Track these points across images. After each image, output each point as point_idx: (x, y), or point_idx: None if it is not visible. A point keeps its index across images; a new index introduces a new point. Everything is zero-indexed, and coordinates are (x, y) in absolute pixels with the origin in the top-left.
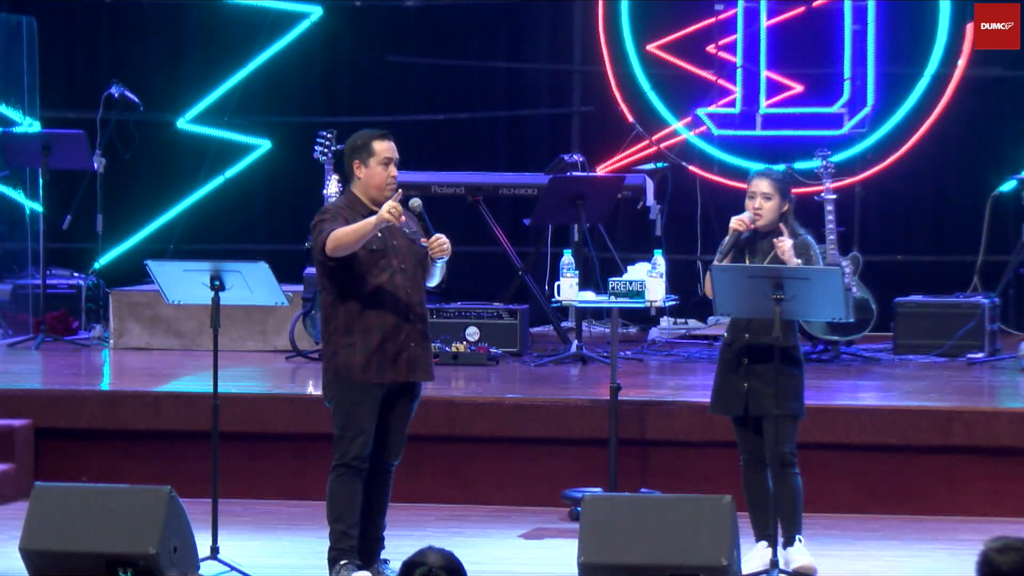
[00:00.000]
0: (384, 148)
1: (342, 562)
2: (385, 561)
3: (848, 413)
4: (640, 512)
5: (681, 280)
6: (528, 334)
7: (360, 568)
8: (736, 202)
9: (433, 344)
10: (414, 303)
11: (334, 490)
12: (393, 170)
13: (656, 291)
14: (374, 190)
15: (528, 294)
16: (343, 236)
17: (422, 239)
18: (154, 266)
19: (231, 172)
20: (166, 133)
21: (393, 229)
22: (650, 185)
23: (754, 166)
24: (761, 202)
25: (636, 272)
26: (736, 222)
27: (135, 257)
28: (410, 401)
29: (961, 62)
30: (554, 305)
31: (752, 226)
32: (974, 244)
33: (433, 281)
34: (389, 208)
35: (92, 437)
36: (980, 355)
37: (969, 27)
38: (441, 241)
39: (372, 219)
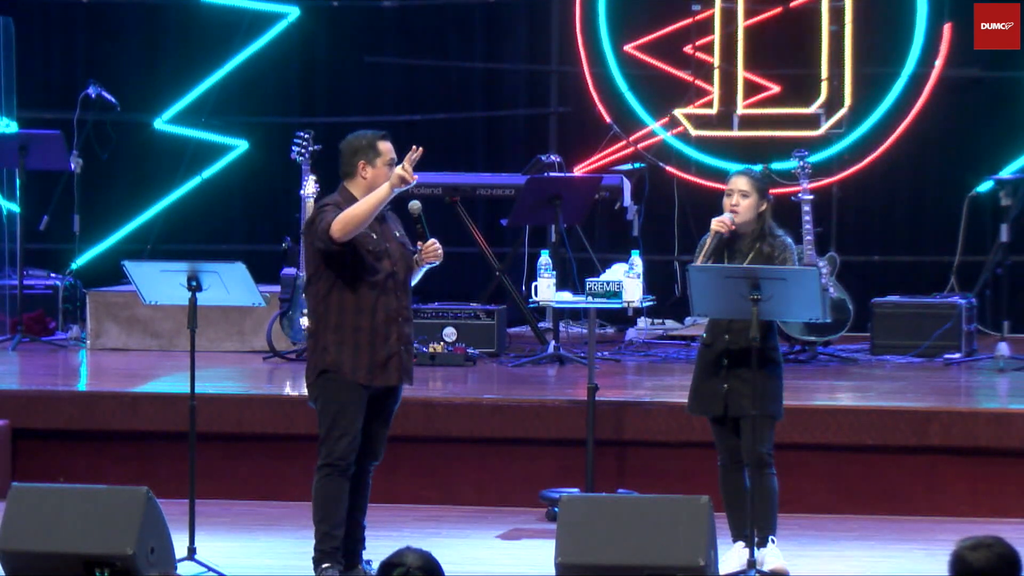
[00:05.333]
0: (388, 148)
1: (324, 565)
2: (368, 561)
3: (825, 413)
4: (617, 512)
5: (658, 280)
6: (505, 334)
7: (343, 570)
8: (713, 202)
9: None
10: (403, 307)
11: (319, 490)
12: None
13: (633, 291)
14: None
15: (505, 294)
16: (353, 213)
17: (418, 243)
18: (131, 266)
19: (208, 172)
20: (143, 133)
21: (387, 232)
22: (627, 186)
23: (731, 167)
24: (738, 199)
25: (613, 272)
26: (717, 224)
27: (112, 257)
28: (393, 403)
29: (938, 62)
30: (531, 305)
31: (733, 227)
32: (951, 245)
33: (412, 283)
34: (402, 171)
35: (69, 438)
36: (957, 355)
37: (947, 27)
38: (436, 247)
39: (384, 187)
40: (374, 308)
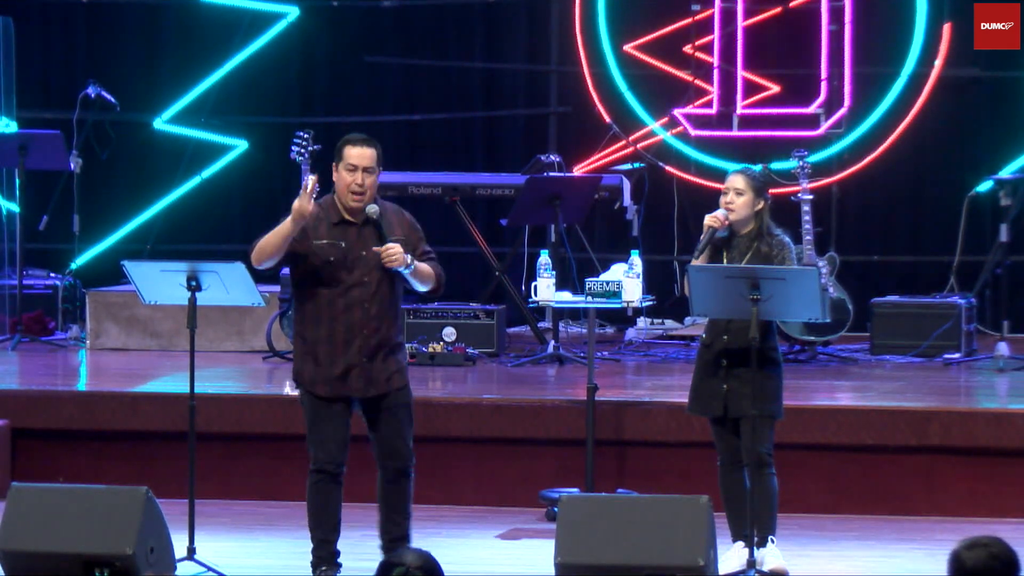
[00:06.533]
0: (352, 154)
1: (322, 568)
2: None
3: (825, 413)
4: (617, 512)
5: (658, 280)
6: (505, 334)
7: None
8: (713, 202)
9: (410, 345)
10: (371, 317)
11: (309, 498)
12: (359, 177)
13: (633, 291)
14: (341, 195)
15: (505, 294)
16: (263, 244)
17: (374, 248)
18: (131, 266)
19: (208, 172)
20: (143, 133)
21: (364, 239)
22: (627, 185)
23: (731, 166)
24: (733, 197)
25: (613, 272)
26: (710, 219)
27: (112, 257)
28: (389, 409)
29: (938, 62)
30: (531, 305)
31: (726, 223)
32: (951, 244)
33: (418, 288)
34: (297, 203)
35: (69, 438)
36: (957, 355)
37: (946, 27)
38: (390, 251)
39: (287, 221)
40: (333, 319)
